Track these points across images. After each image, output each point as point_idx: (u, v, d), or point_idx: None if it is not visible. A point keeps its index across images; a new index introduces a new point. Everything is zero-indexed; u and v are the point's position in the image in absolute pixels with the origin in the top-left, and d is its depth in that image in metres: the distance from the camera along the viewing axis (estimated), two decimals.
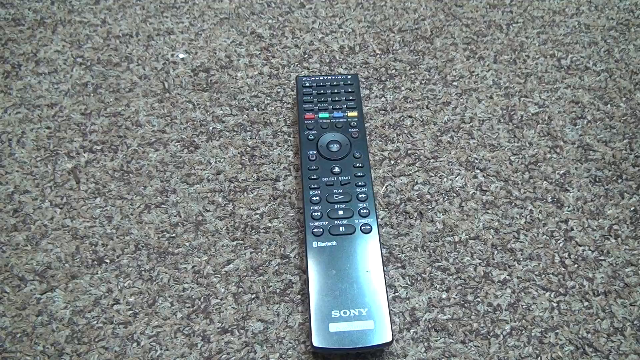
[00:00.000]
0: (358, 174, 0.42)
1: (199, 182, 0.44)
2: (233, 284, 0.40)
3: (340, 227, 0.39)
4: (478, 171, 0.45)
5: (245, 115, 0.48)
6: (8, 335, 0.38)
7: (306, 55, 0.52)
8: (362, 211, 0.40)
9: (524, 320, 0.38)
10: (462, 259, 0.41)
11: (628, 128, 0.47)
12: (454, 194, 0.44)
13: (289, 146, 0.46)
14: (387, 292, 0.37)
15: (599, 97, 0.49)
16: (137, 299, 0.39)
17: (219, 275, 0.40)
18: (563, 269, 0.40)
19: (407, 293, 0.39)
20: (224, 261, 0.41)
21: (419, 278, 0.40)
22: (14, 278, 0.40)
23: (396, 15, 0.55)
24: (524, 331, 0.38)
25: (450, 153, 0.46)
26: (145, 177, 0.45)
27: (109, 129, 0.47)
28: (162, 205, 0.43)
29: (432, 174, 0.45)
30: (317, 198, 0.41)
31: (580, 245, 0.41)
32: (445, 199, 0.44)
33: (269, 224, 0.42)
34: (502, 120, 0.48)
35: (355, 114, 0.45)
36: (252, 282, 0.40)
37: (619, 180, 0.44)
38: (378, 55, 0.52)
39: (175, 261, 0.41)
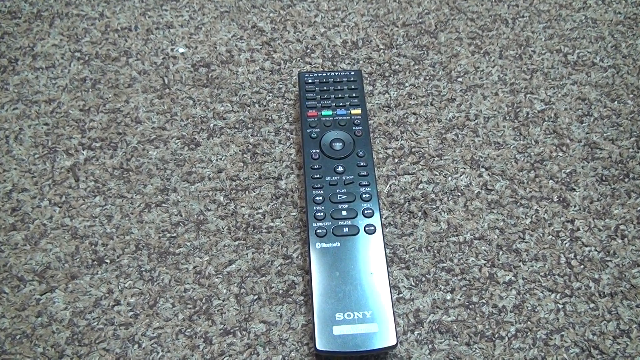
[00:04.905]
0: (362, 173, 0.41)
1: (200, 181, 0.44)
2: (235, 284, 0.39)
3: (344, 228, 0.39)
4: (483, 170, 0.44)
5: (246, 112, 0.47)
6: (8, 337, 0.37)
7: (308, 50, 0.51)
8: (366, 211, 0.39)
9: (529, 322, 0.38)
10: (466, 260, 0.40)
11: (635, 126, 0.47)
12: (459, 193, 0.43)
13: (291, 144, 0.46)
14: (391, 294, 0.37)
15: (606, 94, 0.48)
16: (138, 300, 0.39)
17: (221, 276, 0.40)
18: (569, 270, 0.40)
19: (411, 294, 0.39)
20: (226, 261, 0.40)
21: (423, 279, 0.40)
22: (13, 278, 0.40)
23: (400, 9, 0.54)
24: (529, 333, 0.37)
25: (454, 151, 0.45)
26: (145, 175, 0.44)
27: (108, 125, 0.47)
28: (163, 204, 0.43)
29: (437, 173, 0.44)
30: (321, 198, 0.40)
31: (586, 246, 0.41)
32: (449, 198, 0.43)
33: (271, 224, 0.42)
34: (508, 118, 0.47)
35: (358, 111, 0.44)
36: (254, 283, 0.39)
37: (626, 180, 0.44)
38: (381, 50, 0.51)
39: (176, 261, 0.40)
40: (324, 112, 0.44)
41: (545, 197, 0.43)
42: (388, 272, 0.38)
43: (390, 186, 0.44)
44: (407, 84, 0.49)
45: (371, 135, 0.46)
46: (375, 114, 0.47)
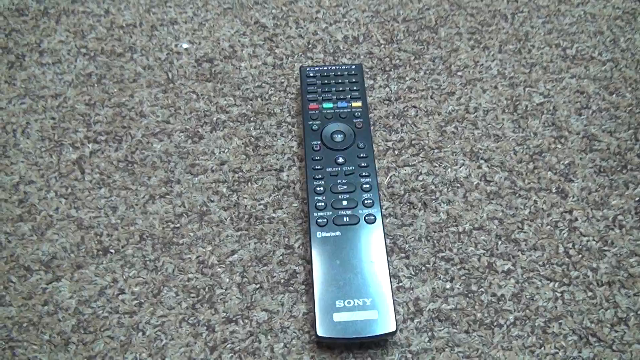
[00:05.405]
0: (362, 164, 0.42)
1: (203, 173, 0.44)
2: (237, 274, 0.40)
3: (345, 218, 0.39)
4: (482, 161, 0.45)
5: (249, 106, 0.48)
6: (15, 325, 0.38)
7: (310, 45, 0.52)
8: (366, 201, 0.40)
9: (527, 310, 0.38)
10: (466, 249, 0.41)
11: (633, 118, 0.47)
12: (458, 185, 0.44)
13: (293, 136, 0.46)
14: (391, 282, 0.37)
15: (604, 87, 0.49)
16: (142, 289, 0.39)
17: (224, 266, 0.40)
18: (567, 259, 0.40)
19: (411, 283, 0.40)
20: (229, 251, 0.41)
21: (423, 268, 0.40)
22: (20, 268, 0.40)
23: (400, 4, 0.55)
24: (527, 321, 0.38)
25: (454, 143, 0.46)
26: (149, 167, 0.45)
27: (113, 119, 0.47)
28: (167, 196, 0.43)
29: (436, 164, 0.45)
30: (321, 188, 0.41)
31: (584, 236, 0.41)
32: (449, 190, 0.44)
33: (273, 215, 0.43)
34: (507, 111, 0.48)
35: (359, 104, 0.45)
36: (256, 272, 0.40)
37: (624, 171, 0.44)
38: (382, 45, 0.52)
39: (180, 251, 0.41)
40: (325, 105, 0.45)
41: (543, 188, 0.43)
42: (388, 260, 0.38)
43: (390, 177, 0.44)
44: (407, 78, 0.50)
45: (372, 128, 0.46)
46: (375, 107, 0.48)
